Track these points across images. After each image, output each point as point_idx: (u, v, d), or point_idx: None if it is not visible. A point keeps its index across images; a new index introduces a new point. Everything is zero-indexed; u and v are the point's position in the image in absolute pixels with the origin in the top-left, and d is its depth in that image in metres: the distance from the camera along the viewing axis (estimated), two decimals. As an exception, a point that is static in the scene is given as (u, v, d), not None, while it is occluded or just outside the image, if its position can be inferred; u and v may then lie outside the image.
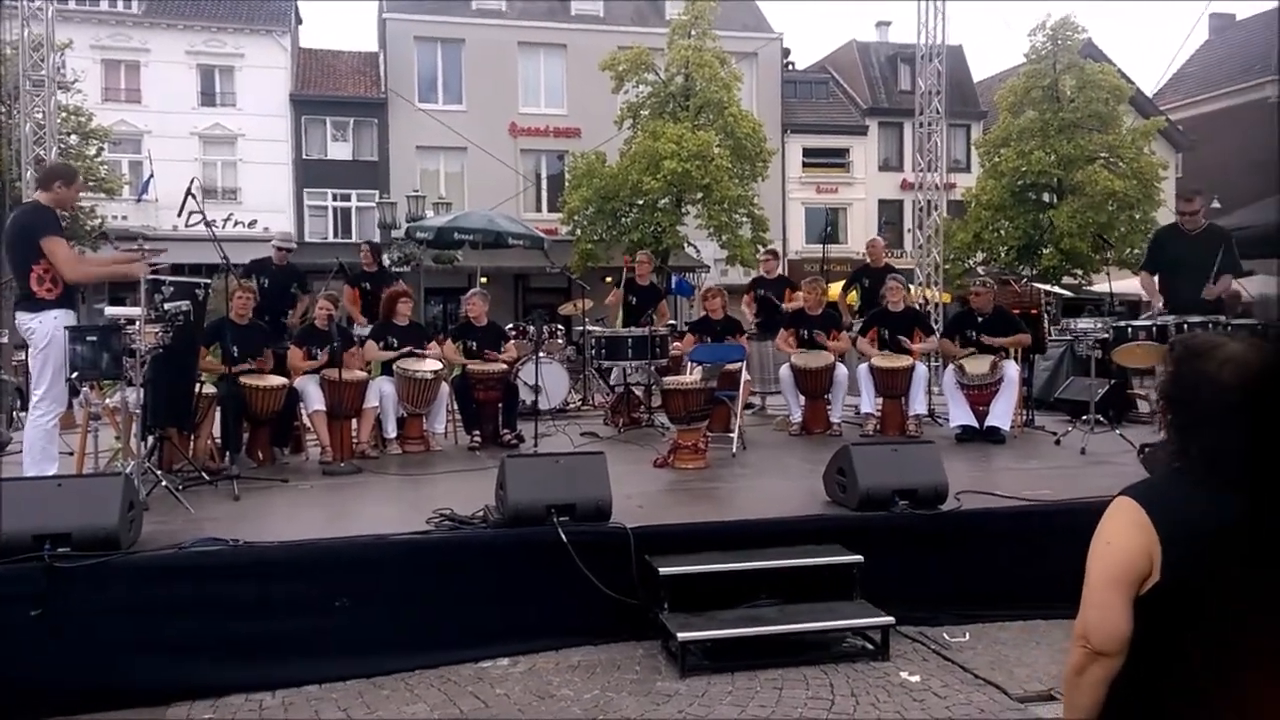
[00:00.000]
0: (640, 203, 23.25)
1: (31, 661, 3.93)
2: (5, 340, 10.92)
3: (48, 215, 5.41)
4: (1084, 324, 7.33)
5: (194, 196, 5.95)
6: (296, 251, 8.73)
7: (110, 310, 5.58)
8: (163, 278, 5.49)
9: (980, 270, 25.50)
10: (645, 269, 9.60)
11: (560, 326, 12.32)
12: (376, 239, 25.06)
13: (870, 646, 4.43)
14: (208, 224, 5.96)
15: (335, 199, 28.29)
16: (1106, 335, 6.94)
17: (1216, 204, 6.55)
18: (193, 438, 6.39)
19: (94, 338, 5.11)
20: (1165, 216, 24.58)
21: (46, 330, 5.25)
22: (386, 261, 10.72)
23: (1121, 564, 1.63)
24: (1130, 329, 6.54)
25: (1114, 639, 1.64)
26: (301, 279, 8.31)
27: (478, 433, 7.74)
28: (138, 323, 5.16)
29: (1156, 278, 7.00)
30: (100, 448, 6.39)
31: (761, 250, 14.71)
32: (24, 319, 5.33)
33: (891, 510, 4.94)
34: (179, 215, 5.97)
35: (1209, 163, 27.47)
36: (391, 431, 7.48)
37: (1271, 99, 30.38)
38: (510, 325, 10.44)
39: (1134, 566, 1.62)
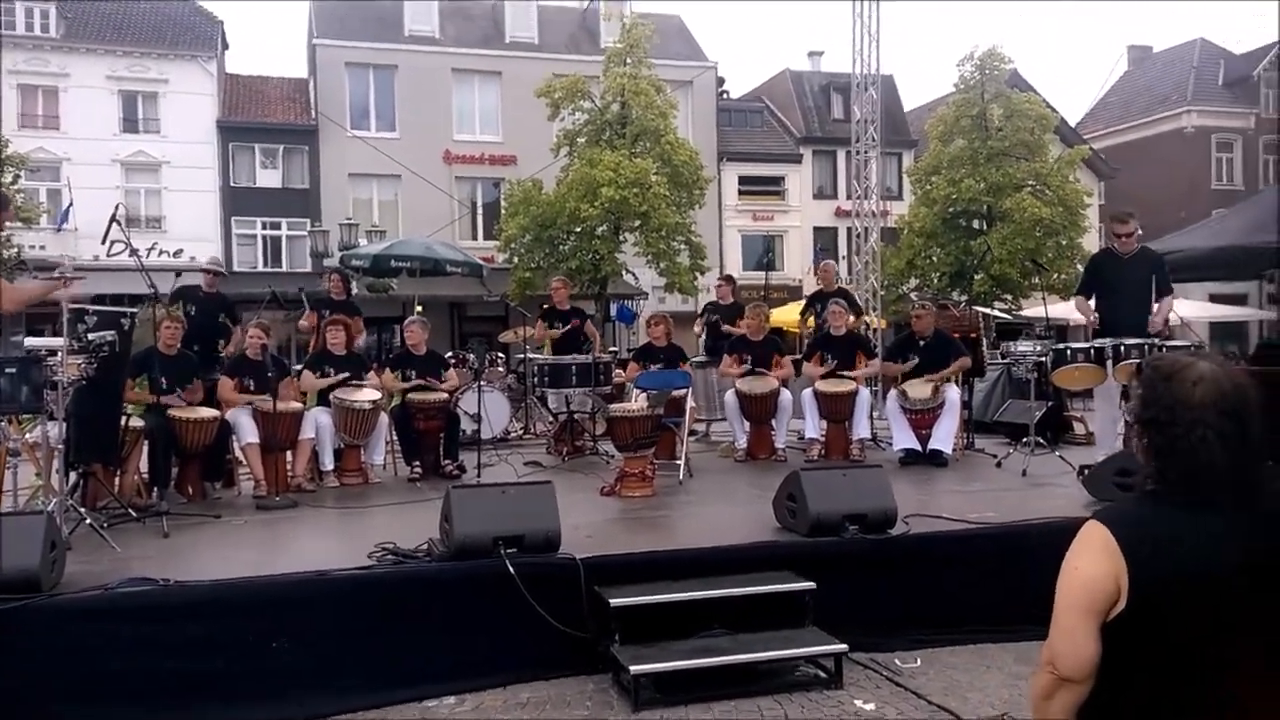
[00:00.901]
0: (578, 230, 23.23)
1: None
2: None
3: None
4: (1023, 347, 7.46)
5: (119, 223, 5.74)
6: (225, 280, 8.48)
7: (30, 341, 5.33)
8: (86, 307, 5.27)
9: (914, 296, 26.01)
10: (562, 294, 9.58)
11: (501, 354, 12.21)
12: (309, 268, 24.85)
13: (824, 675, 4.38)
14: (133, 252, 5.75)
15: (265, 227, 27.72)
16: (1044, 358, 7.06)
17: (1139, 229, 6.77)
18: (119, 473, 6.13)
19: (13, 370, 4.85)
20: (1090, 242, 25.43)
21: None
22: (354, 291, 10.52)
23: (1089, 590, 1.63)
24: (1069, 351, 6.66)
25: (1081, 665, 1.63)
26: (230, 308, 8.07)
27: (418, 463, 7.57)
28: (60, 354, 4.93)
29: (1093, 300, 7.13)
30: (20, 485, 6.07)
31: (716, 276, 14.75)
32: None
33: (842, 535, 4.92)
34: (103, 243, 5.74)
35: (1130, 190, 28.49)
36: (329, 464, 7.27)
37: (1188, 129, 31.72)
38: (449, 354, 10.29)
39: (1101, 592, 1.62)
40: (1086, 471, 6.07)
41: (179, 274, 8.05)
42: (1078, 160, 26.02)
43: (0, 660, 3.81)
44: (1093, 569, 1.63)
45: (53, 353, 4.98)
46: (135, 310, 5.85)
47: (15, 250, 20.79)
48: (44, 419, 5.08)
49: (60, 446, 5.06)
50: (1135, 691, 1.62)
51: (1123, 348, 6.32)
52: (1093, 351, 6.51)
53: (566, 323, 9.24)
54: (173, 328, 6.69)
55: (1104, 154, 32.18)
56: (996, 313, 19.28)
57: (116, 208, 6.11)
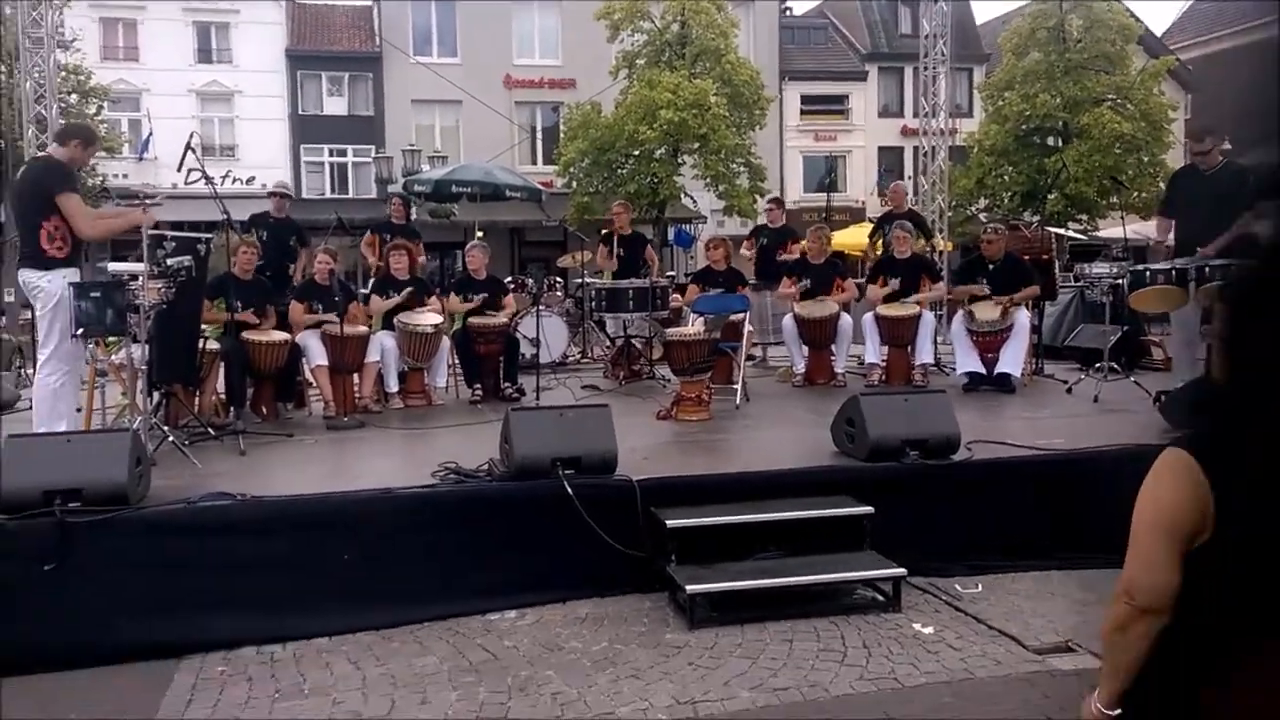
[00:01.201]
0: (636, 153, 22.97)
1: (45, 616, 3.95)
2: (10, 299, 10.80)
3: (63, 170, 5.30)
4: (1099, 269, 7.20)
5: (193, 151, 5.85)
6: (294, 206, 8.62)
7: (113, 266, 5.51)
8: (165, 233, 5.42)
9: (983, 218, 25.28)
10: (623, 219, 9.46)
11: (559, 279, 12.25)
12: (374, 194, 25.07)
13: (881, 598, 4.42)
14: (208, 179, 5.87)
15: (332, 154, 27.99)
16: (1121, 280, 6.81)
17: (1226, 145, 6.39)
18: (198, 393, 6.36)
19: (97, 294, 5.05)
20: (1175, 158, 24.32)
21: (55, 289, 5.17)
22: (414, 216, 10.62)
23: (1172, 516, 1.56)
24: (1148, 273, 6.37)
25: (1161, 595, 1.57)
26: (300, 232, 8.20)
27: (479, 386, 7.70)
28: (141, 278, 5.09)
29: (1173, 221, 6.82)
30: (107, 404, 6.35)
31: (764, 199, 14.51)
32: (31, 277, 5.22)
33: (902, 461, 4.90)
34: (179, 171, 5.86)
35: (1219, 103, 27.08)
36: (393, 386, 7.44)
37: (1280, 39, 29.83)
38: (508, 279, 10.35)
39: (1185, 519, 1.55)
40: (1163, 398, 5.89)
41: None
42: (1163, 72, 24.75)
43: (91, 569, 4.03)
44: (1176, 494, 1.57)
45: (134, 277, 5.15)
46: (211, 236, 5.99)
47: (100, 179, 21.33)
48: (128, 341, 5.27)
49: (144, 368, 5.25)
50: (1215, 625, 1.58)
51: (1207, 269, 6.04)
52: (1174, 273, 6.23)
53: (627, 247, 9.19)
54: (249, 253, 6.85)
55: (1192, 65, 30.54)
56: (1071, 233, 18.62)
57: (191, 136, 6.21)
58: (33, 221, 5.23)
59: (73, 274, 5.28)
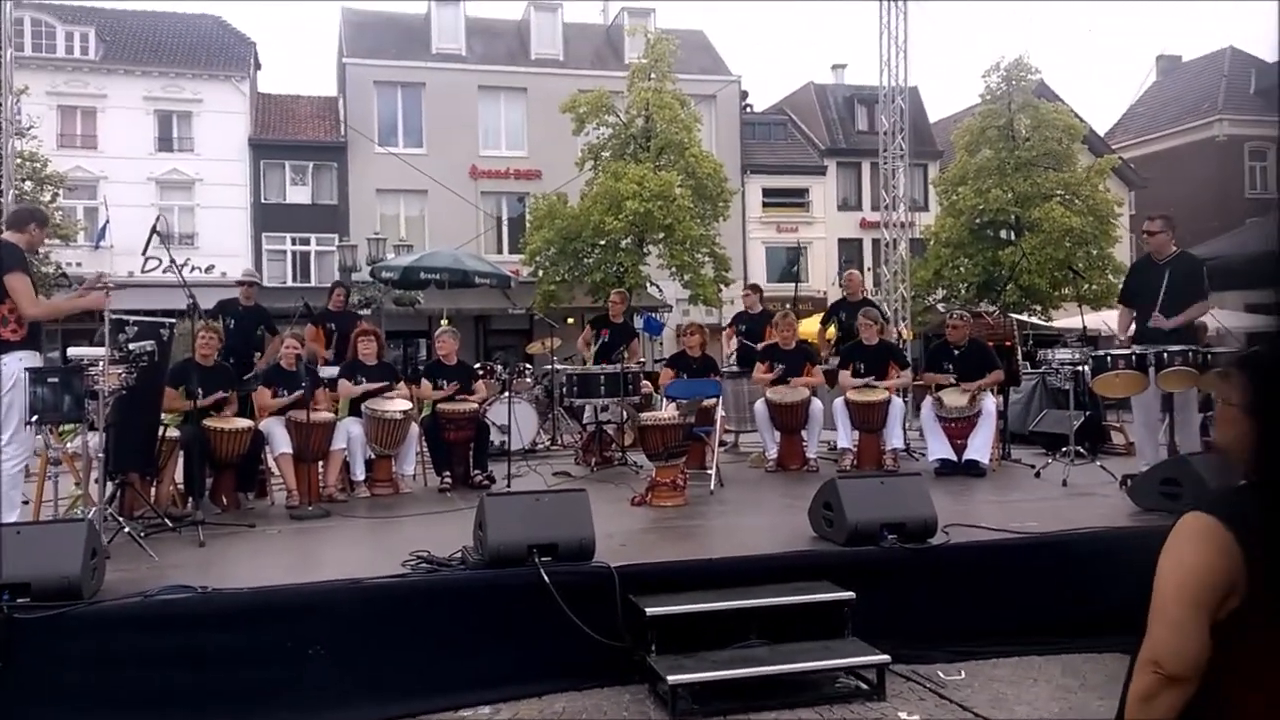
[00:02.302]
0: (602, 243, 23.26)
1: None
2: None
3: (14, 251, 5.21)
4: (1062, 355, 7.35)
5: (159, 235, 5.78)
6: (256, 294, 8.54)
7: (74, 351, 5.38)
8: (126, 318, 5.31)
9: (940, 307, 25.78)
10: (619, 307, 9.56)
11: (528, 365, 12.22)
12: (338, 281, 25.00)
13: (865, 686, 4.31)
14: (173, 262, 5.80)
15: (294, 243, 27.97)
16: (1083, 366, 6.94)
17: (1167, 231, 6.62)
18: (155, 483, 6.16)
19: (55, 379, 4.90)
20: (1122, 252, 25.13)
21: (11, 372, 5.03)
22: (354, 300, 10.58)
23: (1200, 581, 1.53)
24: (1109, 358, 6.52)
25: (1190, 662, 1.54)
26: (269, 321, 8.14)
27: (448, 474, 7.58)
28: (101, 363, 4.97)
29: (1133, 310, 6.99)
30: (59, 495, 6.12)
31: (742, 288, 14.65)
32: None
33: (880, 545, 4.85)
34: (143, 254, 5.79)
35: (1162, 200, 28.13)
36: (360, 474, 7.30)
37: (1219, 137, 31.32)
38: (476, 365, 10.30)
39: (1212, 584, 1.52)
40: (1130, 481, 5.95)
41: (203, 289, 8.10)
42: (1107, 170, 25.75)
43: (42, 667, 3.81)
44: (1202, 559, 1.54)
45: (94, 362, 5.02)
46: (174, 321, 5.89)
47: (54, 266, 21.07)
48: (85, 428, 5.11)
49: (100, 456, 5.09)
50: (1244, 694, 1.53)
51: (1166, 355, 6.19)
52: (1134, 358, 6.38)
53: (616, 335, 9.21)
54: (209, 338, 6.74)
55: (1134, 164, 31.84)
56: (1035, 320, 18.98)
57: (158, 219, 6.16)
58: None
59: (30, 357, 5.14)
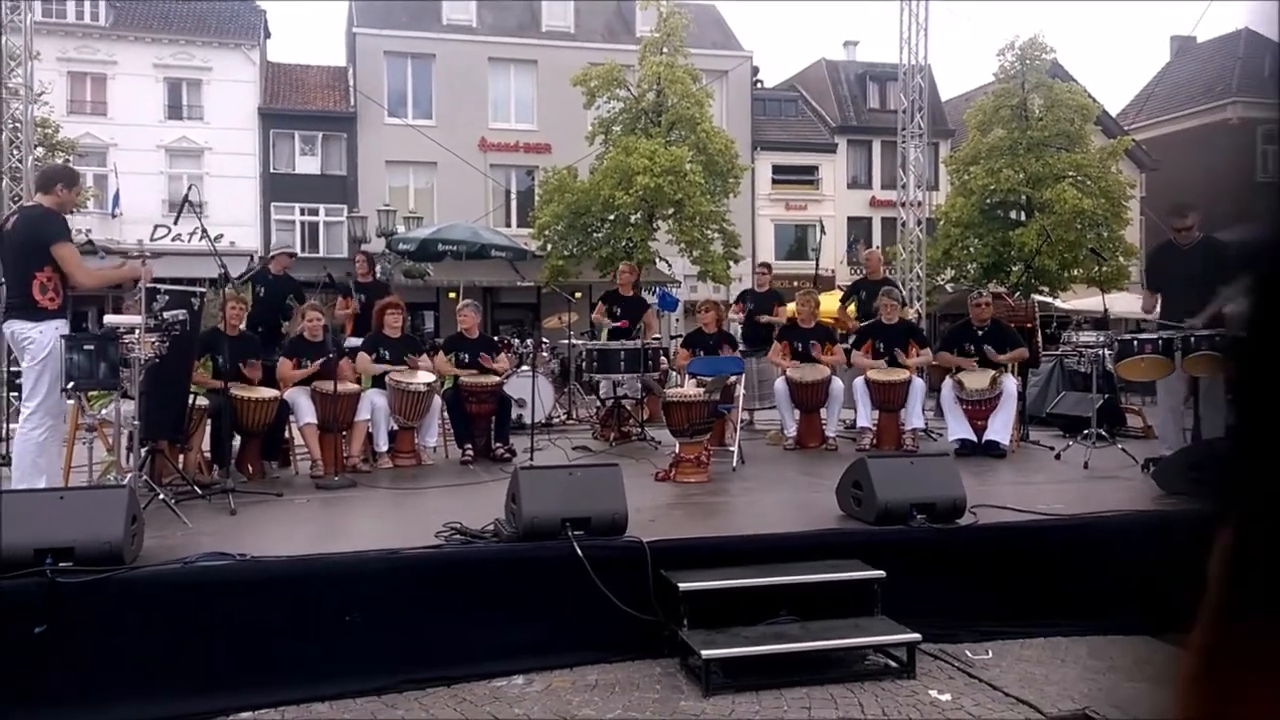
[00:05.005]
0: (612, 218, 23.19)
1: (34, 680, 3.76)
2: None
3: (57, 220, 5.21)
4: (1086, 337, 7.34)
5: (191, 204, 5.79)
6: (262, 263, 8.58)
7: (109, 318, 5.39)
8: (159, 286, 5.32)
9: (949, 288, 25.72)
10: (627, 279, 9.52)
11: (545, 340, 12.22)
12: (345, 254, 24.98)
13: (894, 664, 4.34)
14: (205, 233, 5.81)
15: (303, 213, 27.90)
16: (1107, 349, 6.95)
17: (1196, 222, 6.61)
18: (183, 450, 6.20)
19: (90, 346, 4.93)
20: (1132, 235, 25.02)
21: (47, 340, 5.05)
22: (379, 273, 10.57)
23: None
24: (1136, 342, 6.52)
25: None
26: (298, 290, 8.13)
27: (469, 446, 7.61)
28: (137, 331, 4.98)
29: (1159, 295, 6.98)
30: (81, 461, 6.15)
31: (752, 264, 14.67)
32: (22, 328, 5.09)
33: (910, 524, 4.88)
34: (174, 223, 5.79)
35: (1173, 183, 28.02)
36: (383, 445, 7.32)
37: (1233, 120, 31.12)
38: (494, 338, 10.31)
39: None
40: (1154, 465, 5.97)
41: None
42: (1120, 151, 25.60)
43: (83, 631, 3.86)
44: None
45: (130, 330, 5.04)
46: (204, 290, 5.90)
47: (82, 234, 21.07)
48: (118, 396, 5.13)
49: (135, 423, 5.12)
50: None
51: (1193, 339, 6.19)
52: (1161, 342, 6.38)
53: (629, 308, 9.20)
54: (237, 308, 6.76)
55: (1145, 146, 31.63)
56: (1058, 302, 18.90)
57: (189, 189, 6.16)
58: (25, 272, 5.12)
59: (64, 325, 5.16)
